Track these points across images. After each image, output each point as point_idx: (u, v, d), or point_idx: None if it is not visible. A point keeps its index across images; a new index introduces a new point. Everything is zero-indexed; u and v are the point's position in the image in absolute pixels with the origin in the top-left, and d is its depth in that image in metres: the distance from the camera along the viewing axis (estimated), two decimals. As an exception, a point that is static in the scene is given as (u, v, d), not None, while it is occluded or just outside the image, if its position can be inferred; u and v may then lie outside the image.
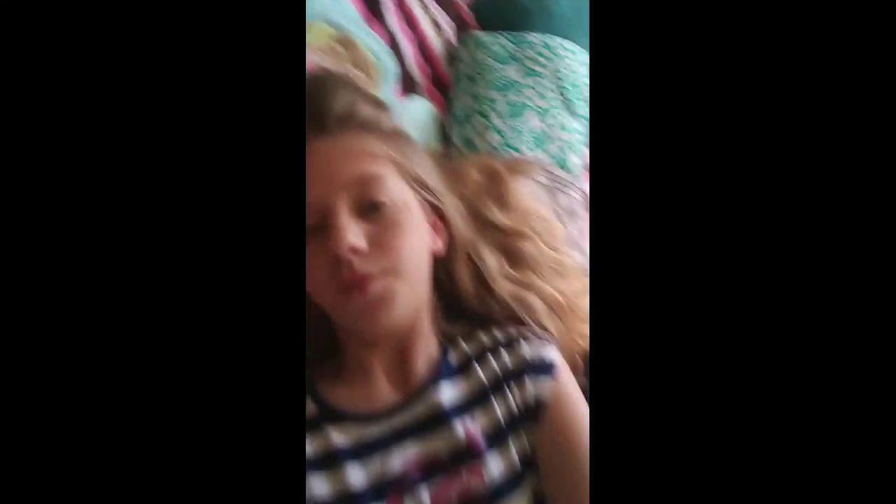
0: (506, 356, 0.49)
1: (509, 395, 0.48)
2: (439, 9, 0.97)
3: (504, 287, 0.53)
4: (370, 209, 0.47)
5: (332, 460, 0.46)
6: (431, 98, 0.86)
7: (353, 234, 0.45)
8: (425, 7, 0.95)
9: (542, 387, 0.48)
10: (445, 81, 0.89)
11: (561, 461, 0.45)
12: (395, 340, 0.50)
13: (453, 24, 0.96)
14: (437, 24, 0.94)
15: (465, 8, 1.00)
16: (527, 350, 0.49)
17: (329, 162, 0.48)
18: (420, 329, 0.51)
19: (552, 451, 0.45)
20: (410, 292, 0.48)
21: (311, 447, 0.46)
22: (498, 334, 0.51)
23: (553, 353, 0.50)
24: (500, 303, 0.53)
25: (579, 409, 0.48)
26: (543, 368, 0.48)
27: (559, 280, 0.57)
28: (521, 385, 0.48)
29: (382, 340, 0.50)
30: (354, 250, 0.45)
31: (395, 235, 0.47)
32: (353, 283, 0.45)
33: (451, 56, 0.91)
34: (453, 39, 0.94)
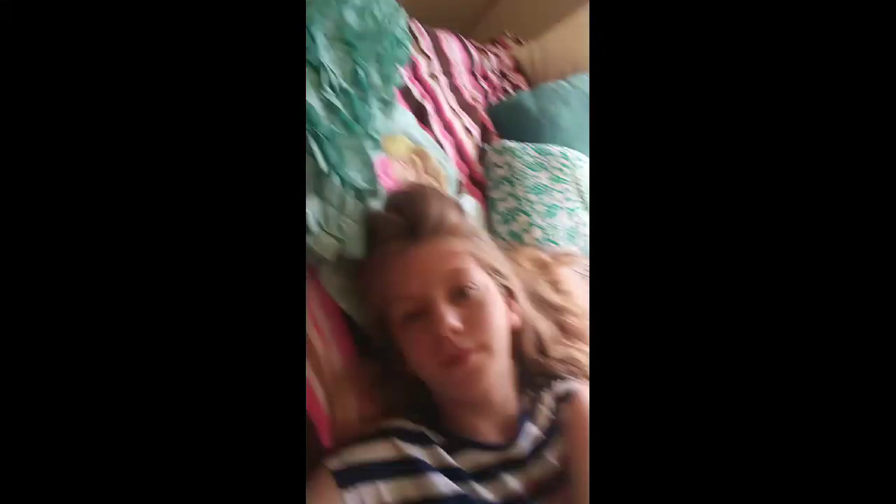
0: (550, 396, 0.64)
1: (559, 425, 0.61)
2: (465, 115, 1.13)
3: (557, 351, 0.68)
4: (460, 296, 0.59)
5: (463, 477, 0.56)
6: (472, 195, 1.00)
7: (452, 317, 0.57)
8: (456, 114, 1.11)
9: (563, 410, 0.62)
10: (481, 180, 1.04)
11: (574, 468, 0.57)
12: (489, 401, 0.62)
13: (478, 129, 1.13)
14: (468, 130, 1.10)
15: (486, 115, 1.18)
16: (559, 388, 0.65)
17: (425, 262, 0.61)
18: (507, 389, 0.63)
19: (570, 458, 0.59)
20: (497, 363, 0.60)
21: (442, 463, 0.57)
22: (545, 382, 0.66)
23: (574, 386, 0.65)
24: (554, 362, 0.68)
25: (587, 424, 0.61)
26: (566, 398, 0.63)
27: None
28: (558, 415, 0.62)
29: (479, 403, 0.61)
30: (454, 330, 0.57)
31: (483, 316, 0.60)
32: (454, 358, 0.57)
33: (482, 158, 1.07)
34: (480, 143, 1.11)
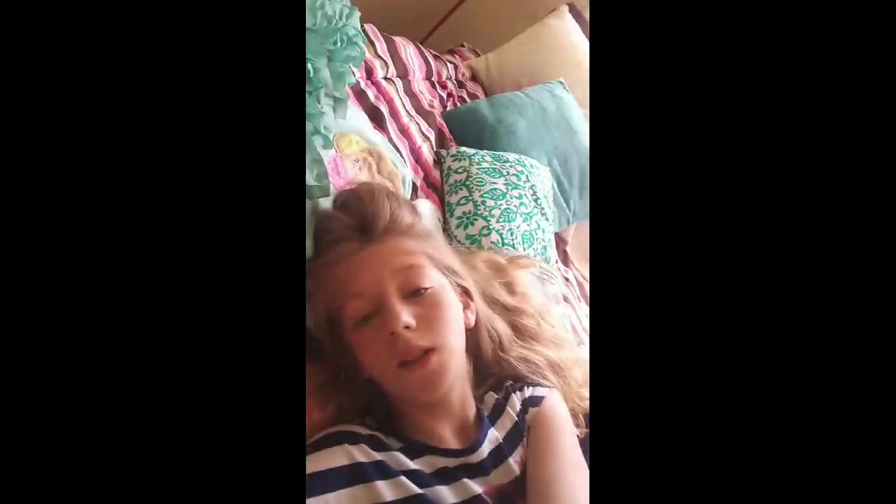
0: (518, 400, 0.62)
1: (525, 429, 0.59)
2: (422, 120, 1.12)
3: (514, 351, 0.67)
4: (415, 294, 0.57)
5: (421, 481, 0.53)
6: (427, 197, 0.98)
7: (406, 313, 0.55)
8: (412, 118, 1.10)
9: (531, 413, 0.60)
10: (436, 184, 1.02)
11: (538, 469, 0.55)
12: (448, 403, 0.59)
13: (434, 134, 1.12)
14: (424, 135, 1.09)
15: (442, 120, 1.17)
16: (528, 391, 0.63)
17: (377, 260, 0.59)
18: (465, 389, 0.61)
19: (532, 460, 0.57)
20: (457, 363, 0.58)
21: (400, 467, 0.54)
22: (510, 385, 0.64)
23: (544, 391, 0.63)
24: (511, 363, 0.66)
25: (557, 429, 0.59)
26: (535, 401, 0.61)
27: (557, 349, 0.72)
28: (526, 417, 0.60)
29: (437, 405, 0.59)
30: (407, 327, 0.54)
31: (439, 314, 0.57)
32: (412, 359, 0.54)
33: (438, 163, 1.06)
34: (436, 148, 1.10)
